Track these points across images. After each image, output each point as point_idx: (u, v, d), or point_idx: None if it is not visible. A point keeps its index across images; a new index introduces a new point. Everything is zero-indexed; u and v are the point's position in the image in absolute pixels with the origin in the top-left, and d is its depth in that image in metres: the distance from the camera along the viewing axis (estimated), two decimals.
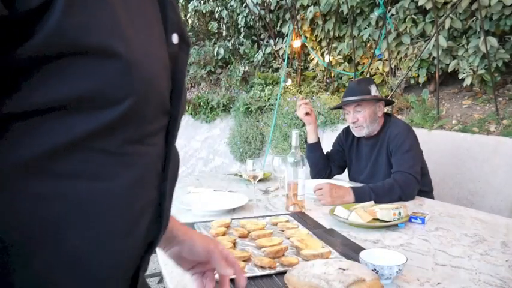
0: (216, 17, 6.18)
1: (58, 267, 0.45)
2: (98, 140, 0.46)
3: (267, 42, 5.47)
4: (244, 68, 5.61)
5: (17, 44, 0.39)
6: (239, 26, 5.81)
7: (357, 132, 2.16)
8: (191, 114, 5.93)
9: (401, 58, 3.88)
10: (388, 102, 2.29)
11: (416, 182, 1.88)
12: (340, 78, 4.62)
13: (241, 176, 2.31)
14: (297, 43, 4.72)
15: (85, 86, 0.43)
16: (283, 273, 1.01)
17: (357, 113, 2.10)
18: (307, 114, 2.21)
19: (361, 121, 2.09)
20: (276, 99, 4.57)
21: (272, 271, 1.06)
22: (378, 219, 1.49)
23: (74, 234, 0.45)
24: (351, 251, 1.21)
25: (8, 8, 0.37)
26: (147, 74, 0.48)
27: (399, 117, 3.24)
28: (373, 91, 2.11)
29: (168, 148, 0.57)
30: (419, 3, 3.42)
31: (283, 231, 1.39)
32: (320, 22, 4.57)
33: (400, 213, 1.49)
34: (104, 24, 0.43)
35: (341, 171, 2.40)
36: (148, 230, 0.55)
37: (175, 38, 0.54)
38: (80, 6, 0.41)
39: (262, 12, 5.33)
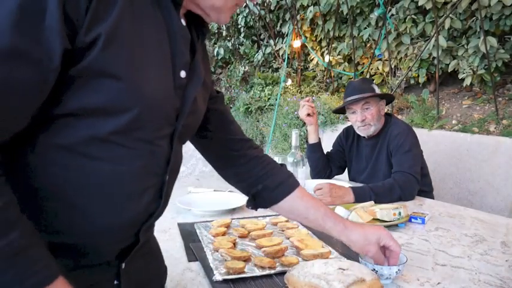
0: None
1: (85, 215, 0.68)
2: (116, 136, 0.67)
3: (267, 42, 5.47)
4: (244, 68, 5.61)
5: (71, 66, 0.60)
6: (239, 26, 5.81)
7: (364, 131, 2.13)
8: None
9: (401, 58, 3.88)
10: (390, 100, 2.28)
11: (416, 182, 1.88)
12: (340, 78, 4.62)
13: None
14: (297, 43, 4.72)
15: (102, 97, 0.63)
16: (283, 273, 1.01)
17: (365, 111, 2.08)
18: (308, 115, 2.20)
19: (369, 119, 2.08)
20: (276, 99, 4.57)
21: (272, 271, 1.06)
22: (378, 219, 1.49)
23: (95, 195, 0.68)
24: (351, 251, 1.21)
25: (71, 44, 0.59)
26: (149, 94, 0.68)
27: (399, 117, 3.24)
28: (376, 90, 2.11)
29: (172, 150, 0.78)
30: (419, 3, 3.42)
31: (283, 231, 1.39)
32: (320, 22, 4.57)
33: (400, 213, 1.49)
34: (120, 59, 0.64)
35: (341, 172, 2.40)
36: (148, 205, 0.76)
37: (182, 74, 0.76)
38: (110, 47, 0.62)
39: (262, 12, 5.33)
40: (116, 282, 0.78)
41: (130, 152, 0.69)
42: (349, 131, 2.32)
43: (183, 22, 0.77)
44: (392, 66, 3.93)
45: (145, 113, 0.68)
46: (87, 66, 0.60)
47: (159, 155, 0.75)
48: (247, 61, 5.79)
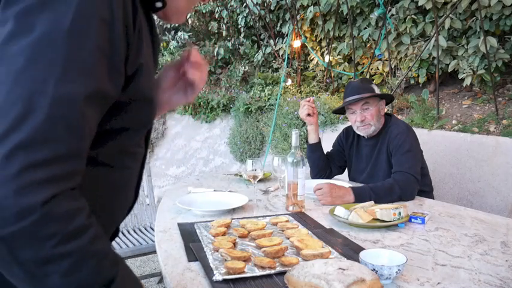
0: (216, 17, 6.16)
1: (105, 218, 0.74)
2: (132, 147, 0.77)
3: (267, 42, 5.46)
4: (244, 68, 5.60)
5: (121, 92, 0.66)
6: (239, 26, 5.80)
7: (364, 131, 2.13)
8: (191, 114, 5.91)
9: (401, 58, 3.88)
10: (390, 99, 2.28)
11: (416, 182, 1.88)
12: (340, 78, 4.62)
13: (241, 176, 2.31)
14: (297, 43, 4.72)
15: (137, 117, 0.73)
16: (283, 273, 1.01)
17: (364, 111, 2.09)
18: (308, 115, 2.20)
19: (369, 119, 2.09)
20: (276, 99, 4.56)
21: (272, 271, 1.06)
22: (377, 219, 1.49)
23: (113, 199, 0.79)
24: (351, 251, 1.22)
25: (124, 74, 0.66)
26: (156, 107, 0.79)
27: (399, 117, 3.24)
28: (376, 90, 2.12)
29: (146, 149, 0.88)
30: (419, 3, 3.41)
31: (283, 231, 1.39)
32: (320, 22, 4.57)
33: (400, 213, 1.50)
34: (150, 82, 0.74)
35: (341, 171, 2.40)
36: (131, 200, 0.88)
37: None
38: (145, 75, 0.70)
39: (262, 12, 5.32)
40: None
41: (135, 157, 0.80)
42: (349, 131, 2.32)
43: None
44: (392, 66, 3.93)
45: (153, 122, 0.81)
46: (130, 92, 0.68)
47: (142, 155, 0.86)
48: (247, 61, 5.78)
